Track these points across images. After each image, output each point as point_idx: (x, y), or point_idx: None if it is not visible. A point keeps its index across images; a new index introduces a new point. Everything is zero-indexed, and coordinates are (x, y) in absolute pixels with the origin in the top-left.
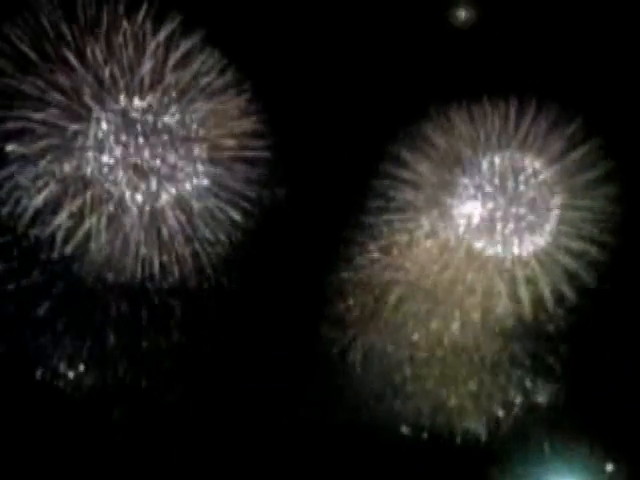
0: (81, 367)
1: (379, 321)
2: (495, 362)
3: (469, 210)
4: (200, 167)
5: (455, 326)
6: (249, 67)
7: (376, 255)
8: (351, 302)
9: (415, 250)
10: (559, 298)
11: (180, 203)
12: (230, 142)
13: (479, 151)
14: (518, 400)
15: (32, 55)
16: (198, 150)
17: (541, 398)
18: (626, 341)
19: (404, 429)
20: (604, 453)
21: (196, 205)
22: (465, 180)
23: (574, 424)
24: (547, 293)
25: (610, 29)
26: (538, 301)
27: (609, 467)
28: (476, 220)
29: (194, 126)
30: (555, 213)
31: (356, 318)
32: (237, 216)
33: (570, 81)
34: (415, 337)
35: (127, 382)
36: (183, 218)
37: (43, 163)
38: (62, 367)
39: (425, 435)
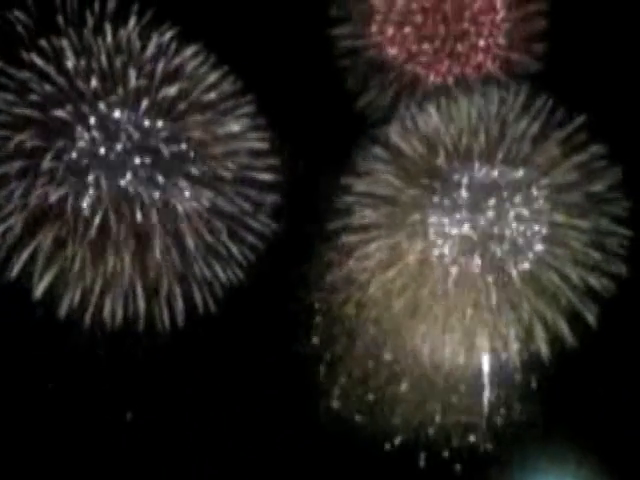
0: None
1: (359, 338)
2: (477, 379)
3: (446, 229)
4: (192, 190)
5: (436, 344)
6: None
7: (353, 274)
8: (331, 320)
9: (394, 268)
10: (549, 331)
11: (169, 229)
12: (226, 162)
13: (458, 162)
14: (500, 416)
15: (5, 67)
16: (190, 171)
17: (521, 416)
18: (619, 355)
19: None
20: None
21: (186, 230)
22: (442, 197)
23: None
24: (535, 320)
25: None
26: (523, 327)
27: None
28: (454, 240)
29: (186, 144)
30: (544, 233)
31: (337, 336)
32: (232, 245)
33: (563, 77)
34: (394, 355)
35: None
36: (171, 243)
37: (21, 185)
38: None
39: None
